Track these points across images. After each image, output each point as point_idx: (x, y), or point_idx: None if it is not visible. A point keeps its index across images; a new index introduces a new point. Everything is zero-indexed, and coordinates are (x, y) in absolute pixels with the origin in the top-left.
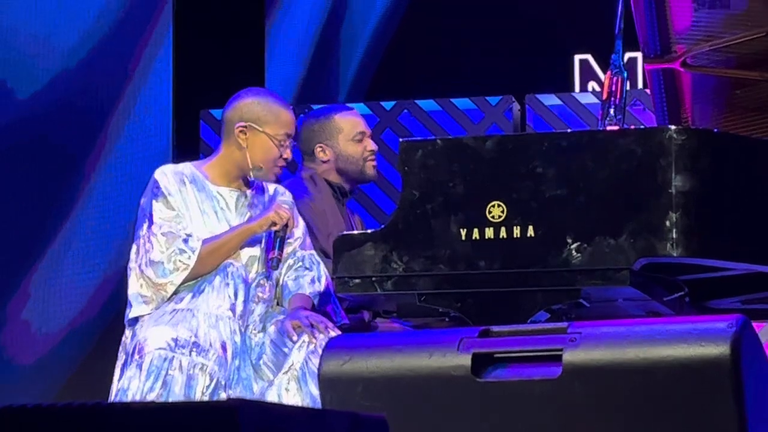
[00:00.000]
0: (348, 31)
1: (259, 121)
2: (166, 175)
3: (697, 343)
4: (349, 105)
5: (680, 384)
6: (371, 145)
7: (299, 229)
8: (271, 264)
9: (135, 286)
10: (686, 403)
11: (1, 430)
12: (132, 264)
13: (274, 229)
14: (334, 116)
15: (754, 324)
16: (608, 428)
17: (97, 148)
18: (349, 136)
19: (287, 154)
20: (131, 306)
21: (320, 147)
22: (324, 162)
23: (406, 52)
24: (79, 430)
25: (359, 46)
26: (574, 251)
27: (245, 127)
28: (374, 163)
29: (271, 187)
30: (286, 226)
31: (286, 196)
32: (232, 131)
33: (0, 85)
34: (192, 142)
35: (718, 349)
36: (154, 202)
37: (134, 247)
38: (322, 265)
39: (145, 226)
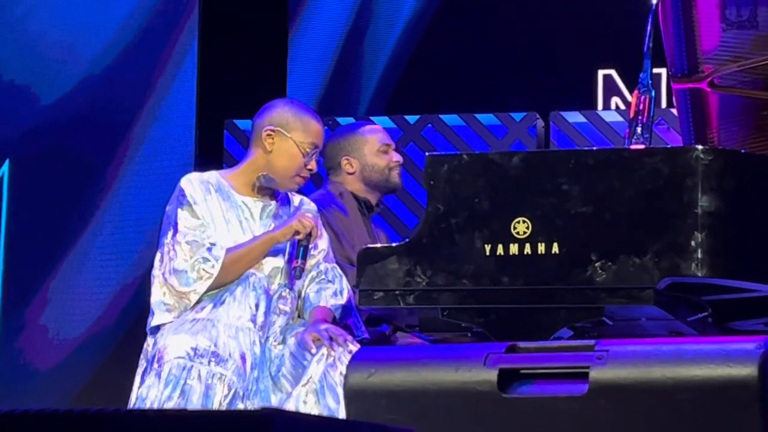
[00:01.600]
0: (371, 44)
1: (287, 127)
2: (192, 183)
3: (725, 363)
4: (374, 119)
5: (706, 404)
6: (396, 155)
7: (323, 241)
8: (294, 273)
9: (158, 294)
10: (712, 423)
11: None
12: (155, 272)
13: (297, 238)
14: (359, 130)
15: None
16: None
17: (119, 157)
18: (374, 148)
19: (312, 164)
20: (153, 314)
21: (346, 159)
22: (350, 174)
23: (429, 66)
24: None
25: (381, 59)
26: (598, 269)
27: (273, 131)
28: (399, 171)
29: (296, 199)
30: (310, 235)
31: (310, 206)
32: (260, 135)
33: (24, 90)
34: (215, 152)
35: (746, 369)
36: (179, 210)
37: (158, 255)
38: (344, 279)
39: (170, 234)
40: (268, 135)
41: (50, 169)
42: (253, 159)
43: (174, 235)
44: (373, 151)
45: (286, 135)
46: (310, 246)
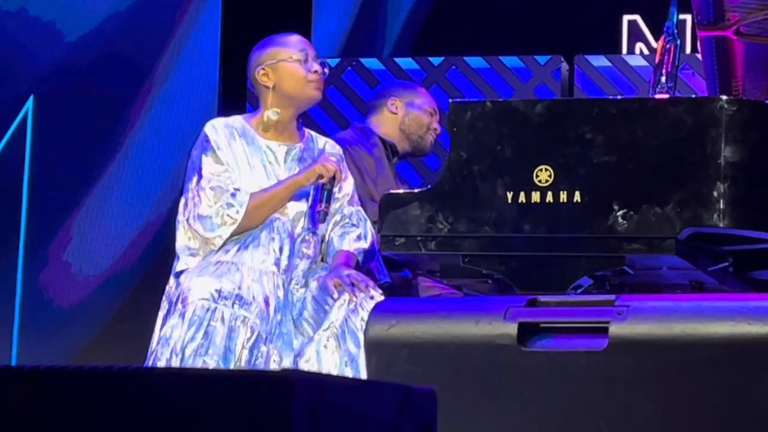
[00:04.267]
0: None
1: (271, 56)
2: (215, 128)
3: (745, 320)
4: (398, 60)
5: (726, 361)
6: (437, 124)
7: (348, 184)
8: (317, 217)
9: (183, 239)
10: (731, 380)
11: (42, 389)
12: (180, 217)
13: (321, 182)
14: (415, 88)
15: None
16: (652, 402)
17: (143, 95)
18: (423, 105)
19: (315, 66)
20: (179, 258)
21: (394, 99)
22: (392, 114)
23: (454, 8)
24: (128, 394)
25: (406, 0)
26: (620, 218)
27: (263, 69)
28: (434, 138)
29: (320, 141)
30: (333, 178)
31: (334, 149)
32: (257, 80)
33: (49, 27)
34: (239, 91)
35: (766, 328)
36: (203, 156)
37: (182, 200)
38: (368, 222)
39: (195, 179)
40: (263, 75)
41: (74, 106)
42: (265, 103)
43: (198, 180)
44: (422, 107)
45: (274, 62)
46: (334, 189)
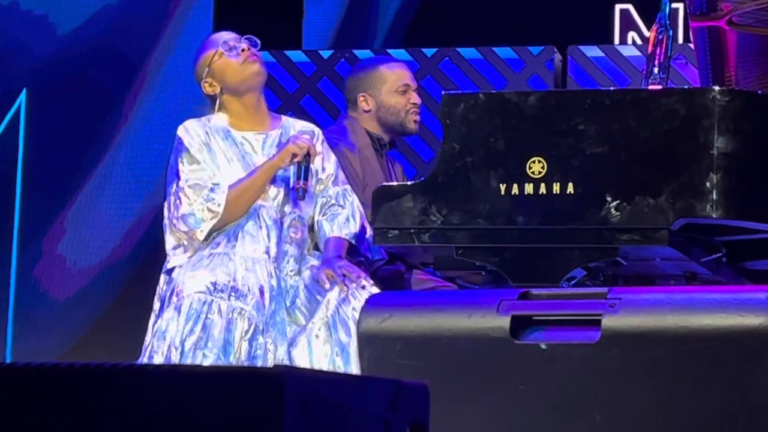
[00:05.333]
0: None
1: (206, 58)
2: (187, 129)
3: (737, 312)
4: (391, 52)
5: (718, 353)
6: (415, 98)
7: (330, 164)
8: (297, 195)
9: (171, 241)
10: (724, 372)
11: (37, 386)
12: (165, 221)
13: (296, 160)
14: (380, 67)
15: None
16: (645, 394)
17: (136, 87)
18: (393, 87)
19: (244, 45)
20: (169, 258)
21: (363, 96)
22: (366, 111)
23: None
24: (120, 391)
25: None
26: (613, 209)
27: (206, 75)
28: (416, 117)
29: (297, 124)
30: (308, 155)
31: (306, 127)
32: (206, 89)
33: (41, 20)
34: None
35: (758, 319)
36: (179, 159)
37: (165, 205)
38: (355, 200)
39: (174, 183)
40: (207, 83)
41: (66, 99)
42: (224, 103)
43: (177, 182)
44: (391, 91)
45: (211, 59)
46: (312, 166)
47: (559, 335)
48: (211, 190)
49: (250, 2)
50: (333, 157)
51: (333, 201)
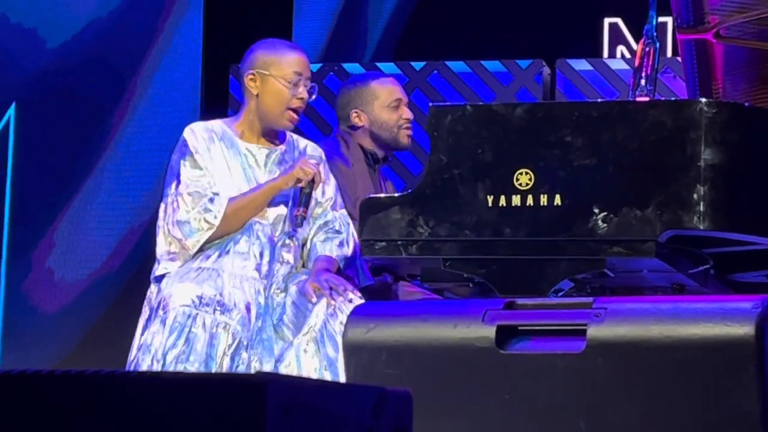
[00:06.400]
0: None
1: (265, 66)
2: (194, 132)
3: (722, 322)
4: (379, 65)
5: (704, 363)
6: (407, 113)
7: (330, 188)
8: (295, 221)
9: (163, 244)
10: (709, 382)
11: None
12: (160, 222)
13: (300, 185)
14: (371, 82)
15: None
16: (630, 404)
17: (125, 100)
18: (384, 102)
19: (302, 93)
20: (159, 263)
21: (355, 112)
22: (358, 128)
23: (435, 12)
24: (102, 398)
25: (388, 4)
26: (600, 221)
27: (253, 74)
28: (409, 132)
29: (302, 143)
30: (312, 182)
31: (315, 152)
32: (244, 82)
33: (31, 33)
34: (221, 97)
35: (743, 329)
36: (182, 161)
37: (162, 206)
38: (351, 227)
39: (173, 185)
40: (251, 79)
41: (56, 112)
42: (247, 106)
43: (177, 186)
44: (383, 106)
45: (266, 74)
46: (313, 193)
47: (544, 345)
48: (210, 200)
49: (240, 15)
50: (333, 181)
51: (331, 225)
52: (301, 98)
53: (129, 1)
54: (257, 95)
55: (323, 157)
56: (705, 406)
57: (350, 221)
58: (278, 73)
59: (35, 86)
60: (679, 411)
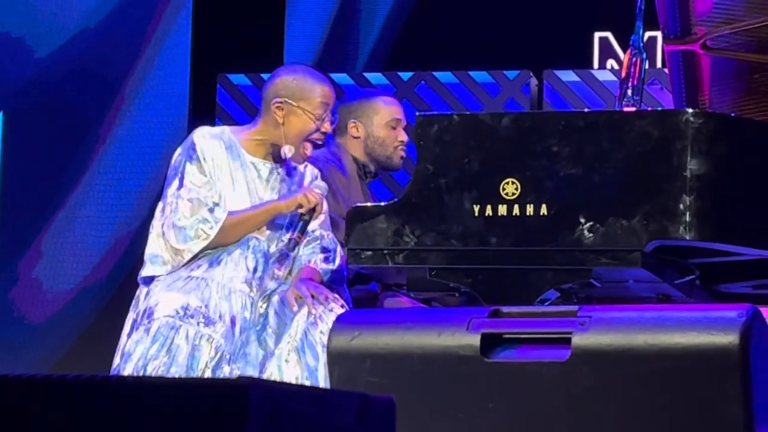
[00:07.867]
0: (368, 1)
1: (294, 97)
2: (204, 137)
3: (707, 331)
4: (368, 76)
5: (688, 371)
6: (402, 135)
7: (323, 213)
8: (287, 245)
9: (154, 245)
10: (694, 390)
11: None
12: (155, 222)
13: (300, 211)
14: (375, 98)
15: (763, 309)
16: (615, 413)
17: (113, 110)
18: (384, 119)
19: (326, 127)
20: (146, 264)
21: (354, 123)
22: (354, 138)
23: (426, 24)
24: (86, 402)
25: (379, 15)
26: (586, 231)
27: (281, 103)
28: (403, 153)
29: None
30: (313, 210)
31: (320, 181)
32: (269, 108)
33: (19, 43)
34: (208, 107)
35: (728, 338)
36: (188, 164)
37: (160, 205)
38: (339, 247)
39: (175, 186)
40: (278, 107)
41: (44, 122)
42: (265, 127)
43: (179, 188)
44: (381, 123)
45: (294, 105)
46: (311, 221)
47: (529, 353)
48: (210, 210)
49: (231, 25)
50: (326, 206)
51: (319, 241)
52: (324, 131)
53: (117, 11)
54: (282, 124)
55: (327, 188)
56: (690, 414)
57: (338, 243)
58: (308, 107)
59: (23, 96)
60: (664, 420)
